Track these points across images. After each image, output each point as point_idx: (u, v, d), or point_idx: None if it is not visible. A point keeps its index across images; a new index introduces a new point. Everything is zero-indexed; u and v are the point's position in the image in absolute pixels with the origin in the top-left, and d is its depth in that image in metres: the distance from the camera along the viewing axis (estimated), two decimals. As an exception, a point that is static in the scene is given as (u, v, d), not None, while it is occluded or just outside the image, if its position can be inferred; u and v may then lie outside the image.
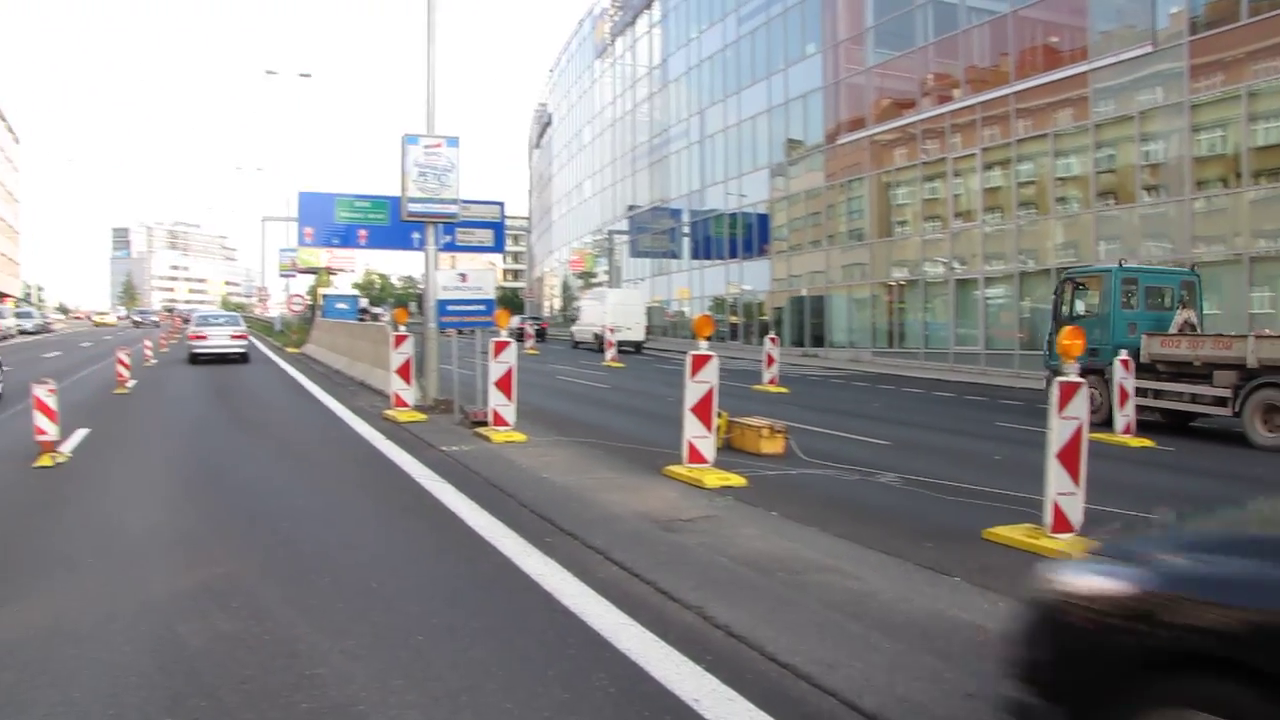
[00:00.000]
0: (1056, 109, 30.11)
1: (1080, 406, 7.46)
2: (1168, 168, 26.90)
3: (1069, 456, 7.44)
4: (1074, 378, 7.49)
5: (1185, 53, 25.65)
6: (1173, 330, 17.11)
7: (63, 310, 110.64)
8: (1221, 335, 16.49)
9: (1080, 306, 18.58)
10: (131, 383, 20.85)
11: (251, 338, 39.11)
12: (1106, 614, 3.18)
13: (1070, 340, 7.58)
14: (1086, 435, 7.52)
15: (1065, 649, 3.29)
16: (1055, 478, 7.43)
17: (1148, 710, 2.98)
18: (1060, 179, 30.35)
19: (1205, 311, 19.10)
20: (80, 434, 13.31)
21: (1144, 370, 16.30)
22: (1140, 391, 15.81)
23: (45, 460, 10.92)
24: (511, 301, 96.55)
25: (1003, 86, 31.96)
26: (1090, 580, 3.33)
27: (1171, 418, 16.70)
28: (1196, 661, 2.87)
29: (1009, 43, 32.02)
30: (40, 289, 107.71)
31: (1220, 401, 15.37)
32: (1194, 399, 15.94)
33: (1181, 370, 16.21)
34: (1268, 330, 17.89)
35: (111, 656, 4.97)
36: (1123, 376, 14.81)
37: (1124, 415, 14.72)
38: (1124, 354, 15.19)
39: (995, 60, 32.94)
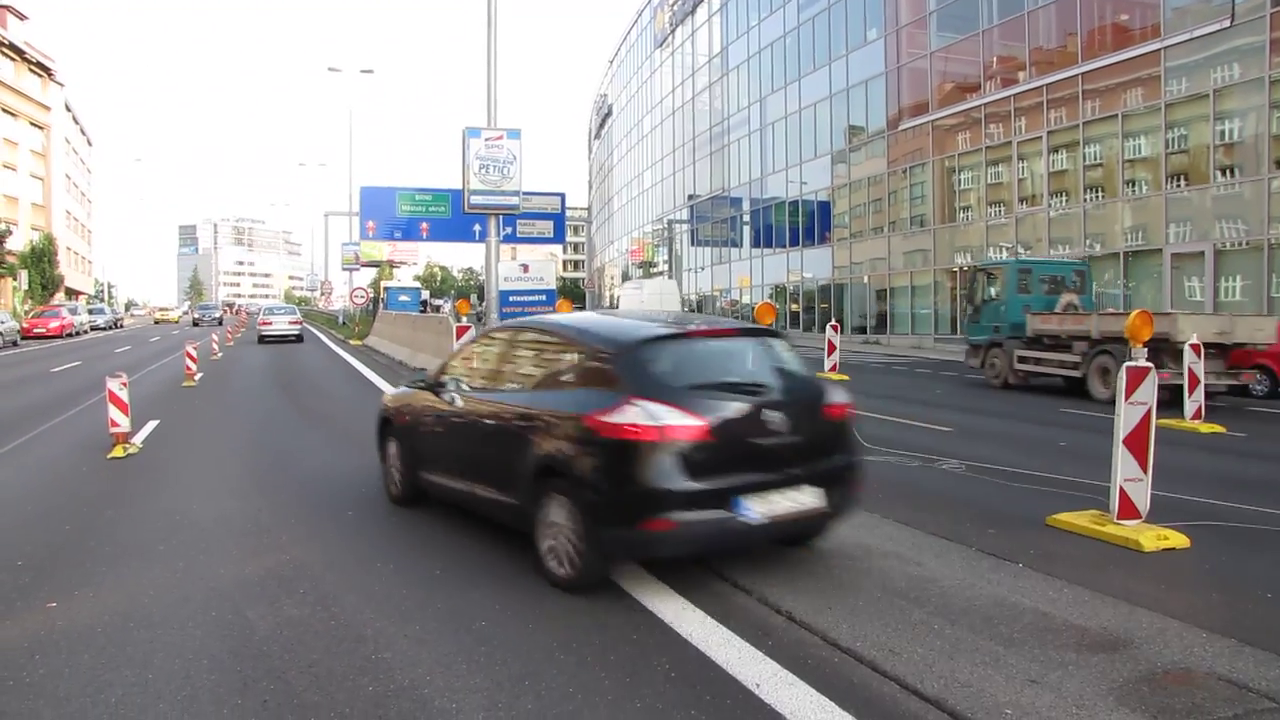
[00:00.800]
0: (1126, 89, 29.47)
1: (1148, 392, 7.31)
2: (1244, 147, 26.18)
3: (1136, 442, 7.30)
4: (1142, 363, 7.34)
5: (1266, 26, 24.90)
6: (1057, 310, 20.31)
7: (129, 306, 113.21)
8: (1078, 313, 19.90)
9: (992, 292, 22.79)
10: (199, 376, 21.28)
11: (314, 329, 45.09)
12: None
13: (1140, 324, 7.44)
14: (1154, 421, 7.37)
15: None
16: (1122, 463, 7.29)
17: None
18: (1129, 161, 29.71)
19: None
20: (151, 425, 13.64)
21: (1031, 343, 20.45)
22: (1024, 359, 20.50)
23: (118, 451, 11.21)
24: (572, 292, 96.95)
25: (1070, 67, 31.35)
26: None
27: (1041, 378, 20.81)
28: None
29: (1076, 22, 31.38)
30: (111, 286, 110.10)
31: (1075, 366, 18.95)
32: (1061, 364, 19.50)
33: (1057, 342, 19.76)
34: (1110, 309, 23.31)
35: (184, 640, 5.11)
36: (1192, 361, 14.49)
37: (1193, 401, 14.40)
38: (1194, 338, 14.88)
39: (1062, 40, 32.31)
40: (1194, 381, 14.45)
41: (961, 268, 37.30)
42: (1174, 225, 27.96)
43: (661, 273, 68.67)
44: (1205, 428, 13.99)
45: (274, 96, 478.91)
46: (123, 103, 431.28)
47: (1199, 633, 5.16)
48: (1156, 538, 7.06)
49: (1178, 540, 7.08)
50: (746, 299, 54.15)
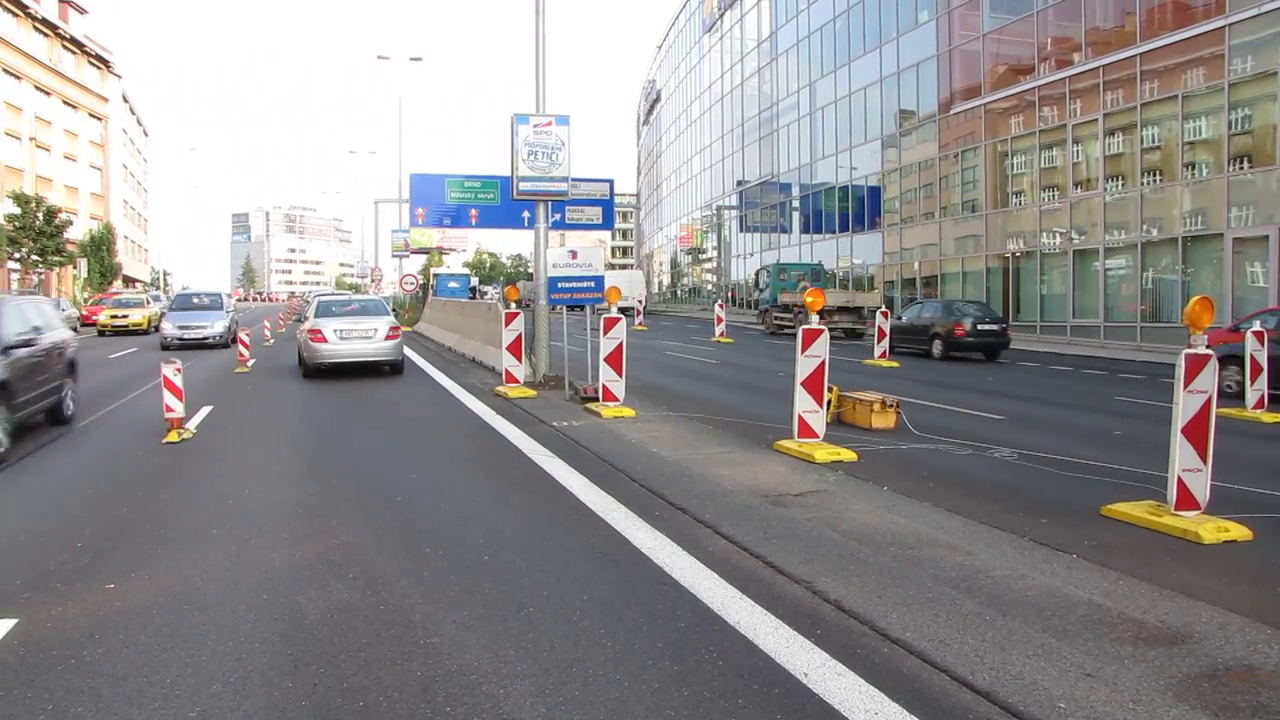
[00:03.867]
0: (1186, 69, 28.79)
1: (1208, 380, 7.15)
2: (1310, 128, 25.50)
3: (1196, 431, 7.15)
4: (1202, 350, 7.18)
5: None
6: (797, 293, 35.20)
7: None
8: (808, 290, 25.67)
9: (765, 279, 42.27)
10: (251, 362, 21.56)
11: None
12: None
13: (1200, 310, 7.28)
14: (1214, 409, 7.21)
15: None
16: (1180, 453, 7.14)
17: None
18: (1189, 143, 29.05)
19: None
20: (204, 411, 13.84)
21: (785, 310, 37.34)
22: (778, 318, 37.82)
23: (173, 436, 11.39)
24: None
25: (1128, 48, 30.69)
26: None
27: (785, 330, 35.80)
28: None
29: (1135, 1, 30.73)
30: (167, 274, 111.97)
31: (791, 324, 29.61)
32: (787, 322, 34.58)
33: (788, 308, 36.42)
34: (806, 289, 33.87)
35: (236, 623, 5.17)
36: (1255, 349, 14.17)
37: (1256, 390, 14.09)
38: (1257, 325, 14.58)
39: (1120, 20, 31.63)
40: (1256, 369, 14.14)
41: (1014, 253, 36.82)
42: (1236, 209, 27.32)
43: (711, 259, 68.60)
44: (1269, 417, 13.69)
45: (325, 84, 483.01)
46: (178, 93, 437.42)
47: (1263, 629, 5.03)
48: (1217, 530, 6.91)
49: (1239, 533, 6.93)
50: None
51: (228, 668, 4.57)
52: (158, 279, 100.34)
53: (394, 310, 49.25)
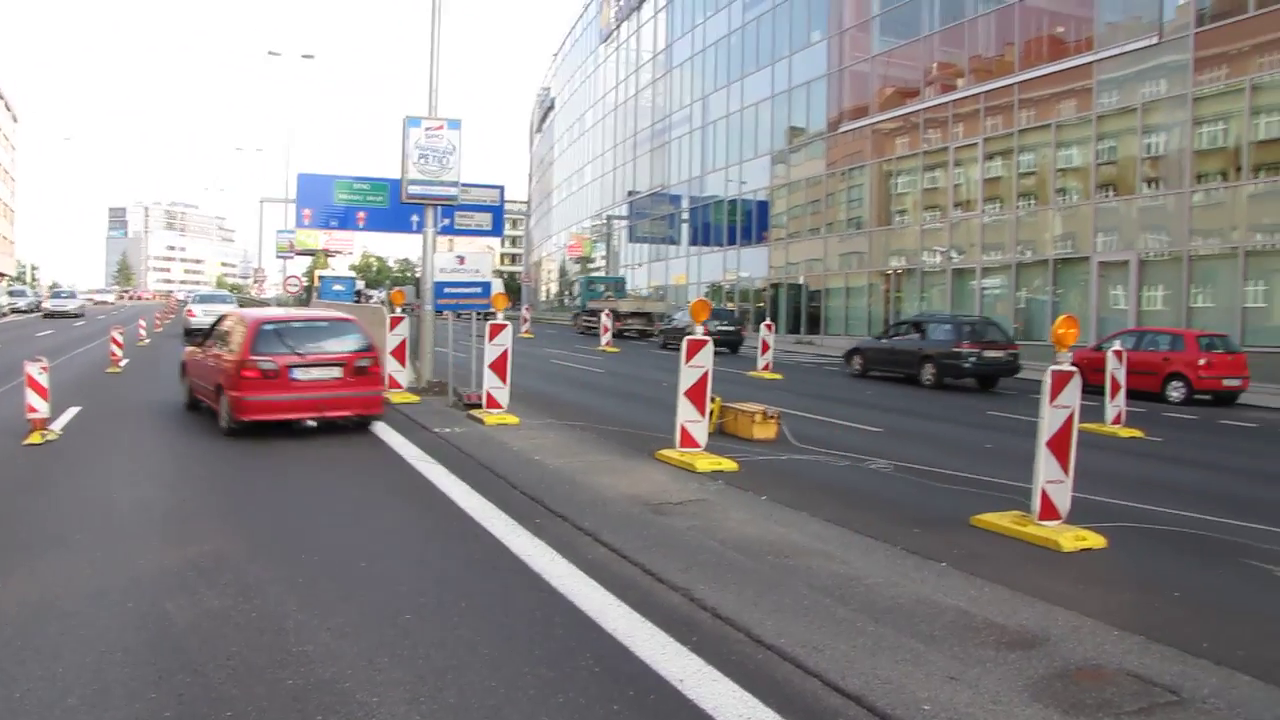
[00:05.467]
0: (1060, 99, 30.03)
1: (1072, 395, 7.47)
2: (1168, 160, 26.84)
3: (1059, 445, 7.46)
4: (1067, 367, 7.49)
5: (1190, 45, 25.55)
6: (615, 305, 43.33)
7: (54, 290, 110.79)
8: (610, 300, 44.57)
9: (576, 288, 55.71)
10: (124, 362, 20.85)
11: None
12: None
13: (1065, 329, 7.58)
14: (1077, 424, 7.53)
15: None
16: (1044, 466, 7.44)
17: None
18: (1061, 170, 30.29)
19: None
20: (71, 411, 13.33)
21: (591, 314, 43.17)
22: (585, 321, 45.38)
23: (35, 438, 10.93)
24: (509, 285, 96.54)
25: (1007, 76, 31.86)
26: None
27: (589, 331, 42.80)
28: None
29: (1014, 32, 31.89)
30: (35, 268, 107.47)
31: (594, 326, 38.89)
32: (592, 325, 40.19)
33: (594, 313, 41.55)
34: (610, 297, 46.83)
35: (98, 633, 4.99)
36: (1115, 368, 14.82)
37: (1115, 406, 14.73)
38: (1117, 345, 15.26)
39: (1000, 50, 32.82)
40: (1115, 386, 14.78)
41: (896, 270, 37.79)
42: (1102, 234, 28.57)
43: (600, 269, 68.93)
44: (1125, 432, 14.32)
45: (212, 78, 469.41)
46: (52, 79, 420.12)
47: (1110, 630, 5.30)
48: (1075, 538, 7.22)
49: (1095, 541, 7.25)
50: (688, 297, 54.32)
51: (85, 679, 4.41)
52: (24, 273, 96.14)
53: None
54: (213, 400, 12.33)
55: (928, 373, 21.92)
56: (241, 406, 11.29)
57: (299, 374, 11.53)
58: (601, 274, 61.85)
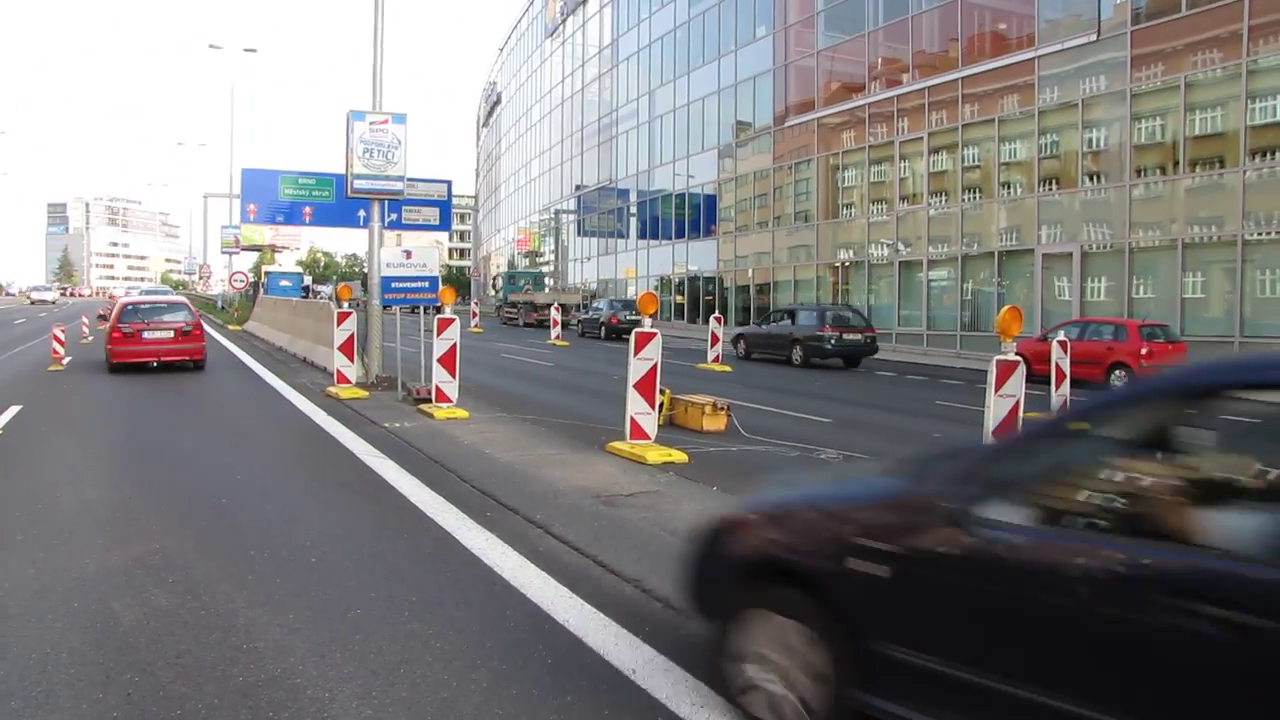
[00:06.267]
0: (1003, 95, 30.42)
1: (1016, 385, 7.61)
2: (1109, 154, 27.30)
3: (1005, 433, 7.59)
4: (1011, 356, 7.63)
5: (1127, 42, 26.01)
6: (532, 297, 49.36)
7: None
8: (529, 294, 50.85)
9: (499, 283, 60.71)
10: (67, 360, 20.49)
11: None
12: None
13: (1009, 320, 7.72)
14: (1022, 413, 7.67)
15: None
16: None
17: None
18: (1005, 164, 30.70)
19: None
20: (12, 410, 13.10)
21: (512, 306, 51.49)
22: (507, 313, 52.10)
23: (-24, 436, 10.73)
24: (457, 280, 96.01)
25: (950, 72, 32.22)
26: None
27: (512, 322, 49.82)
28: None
29: (957, 28, 32.25)
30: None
31: (515, 317, 49.57)
32: (513, 316, 49.69)
33: (516, 305, 50.41)
34: (529, 290, 52.75)
35: (42, 633, 4.92)
36: (1059, 357, 15.09)
37: (1059, 395, 14.99)
38: (1061, 335, 15.54)
39: (944, 45, 33.17)
40: (1060, 377, 15.06)
41: (844, 263, 38.10)
42: (1045, 227, 29.00)
43: (548, 262, 68.92)
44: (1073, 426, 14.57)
45: (152, 72, 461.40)
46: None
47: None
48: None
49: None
50: (631, 290, 54.35)
51: (30, 681, 4.34)
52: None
53: (222, 308, 47.24)
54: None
55: (797, 354, 25.26)
56: (112, 355, 18.79)
57: (147, 335, 18.75)
58: (526, 269, 66.60)
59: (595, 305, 41.14)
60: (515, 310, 50.38)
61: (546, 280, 61.47)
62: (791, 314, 26.90)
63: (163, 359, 18.64)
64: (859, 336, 25.31)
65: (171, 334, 18.87)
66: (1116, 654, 2.78)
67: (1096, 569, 2.83)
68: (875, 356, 26.33)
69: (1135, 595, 2.74)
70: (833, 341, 24.60)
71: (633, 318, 34.44)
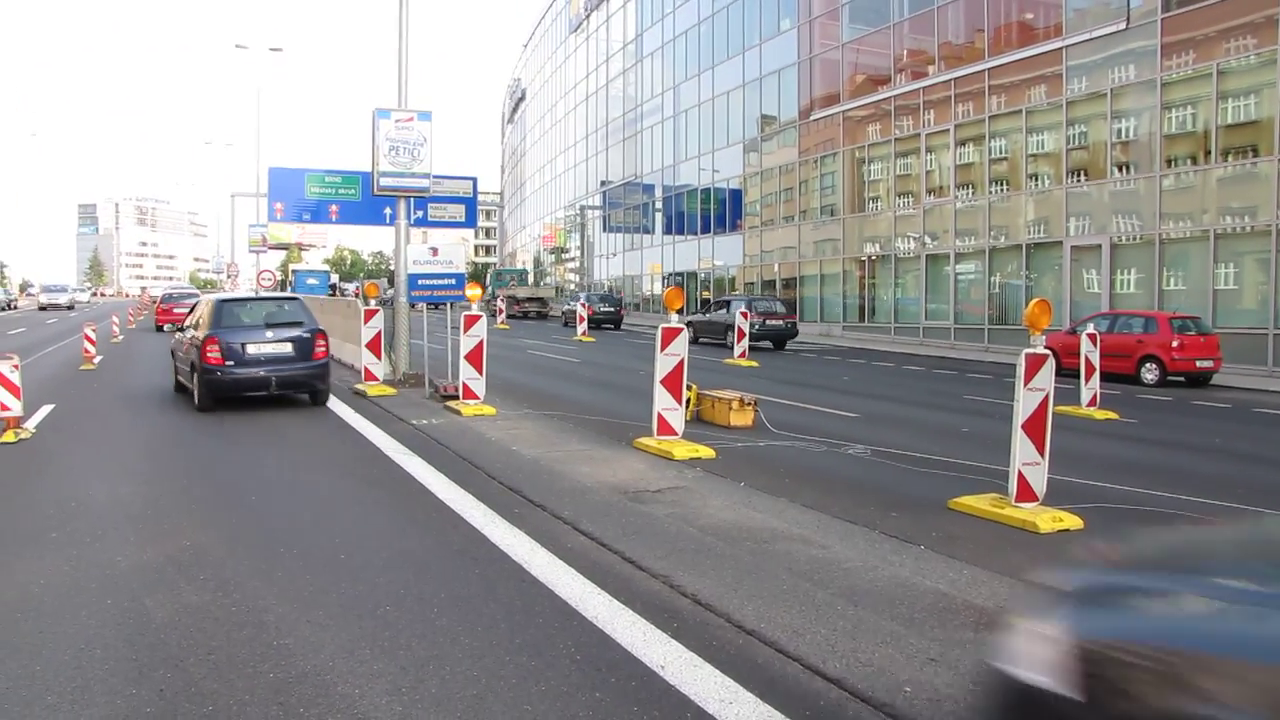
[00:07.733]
0: (1030, 85, 30.16)
1: (1046, 378, 7.53)
2: (1138, 145, 27.01)
3: (1034, 427, 7.51)
4: (1041, 350, 7.55)
5: (1157, 30, 25.71)
6: (514, 291, 54.26)
7: (24, 287, 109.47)
8: (522, 289, 56.38)
9: (488, 279, 59.78)
10: (98, 359, 20.68)
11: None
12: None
13: (1038, 313, 7.64)
14: (1051, 407, 7.59)
15: None
16: (1020, 448, 7.50)
17: None
18: (1033, 155, 30.43)
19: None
20: (45, 410, 13.22)
21: (508, 299, 50.66)
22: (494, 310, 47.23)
23: (9, 436, 10.84)
24: (483, 276, 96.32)
25: (977, 63, 31.97)
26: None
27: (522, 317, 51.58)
28: None
29: (984, 19, 31.99)
30: (4, 265, 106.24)
31: (522, 313, 52.63)
32: (525, 314, 52.96)
33: (518, 301, 53.10)
34: (514, 285, 57.67)
35: (76, 629, 4.96)
36: (1089, 350, 14.95)
37: (1089, 388, 14.86)
38: (1090, 328, 15.40)
39: (970, 36, 32.92)
40: (1090, 370, 14.91)
41: (870, 257, 37.92)
42: (1074, 219, 28.74)
43: (574, 258, 69.04)
44: (1100, 414, 14.45)
45: (179, 73, 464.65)
46: (17, 75, 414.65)
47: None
48: (1052, 519, 7.28)
49: (1072, 522, 7.31)
50: (658, 286, 54.34)
51: (65, 676, 4.38)
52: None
53: None
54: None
55: (730, 337, 27.65)
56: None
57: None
58: (511, 268, 73.48)
59: (577, 298, 43.68)
60: (499, 303, 52.39)
61: (528, 277, 68.03)
62: (726, 304, 31.40)
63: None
64: (781, 323, 30.93)
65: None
66: None
67: None
68: (904, 352, 27.34)
69: None
70: (758, 326, 28.74)
71: (607, 309, 42.97)
